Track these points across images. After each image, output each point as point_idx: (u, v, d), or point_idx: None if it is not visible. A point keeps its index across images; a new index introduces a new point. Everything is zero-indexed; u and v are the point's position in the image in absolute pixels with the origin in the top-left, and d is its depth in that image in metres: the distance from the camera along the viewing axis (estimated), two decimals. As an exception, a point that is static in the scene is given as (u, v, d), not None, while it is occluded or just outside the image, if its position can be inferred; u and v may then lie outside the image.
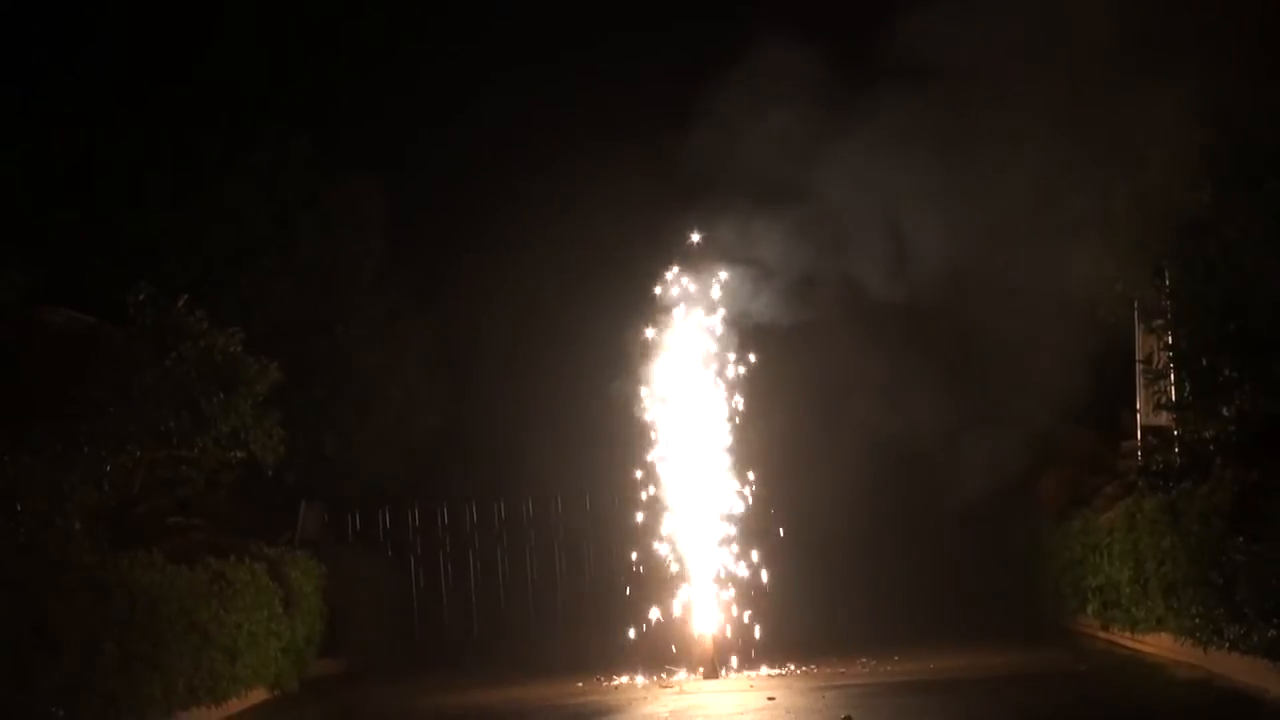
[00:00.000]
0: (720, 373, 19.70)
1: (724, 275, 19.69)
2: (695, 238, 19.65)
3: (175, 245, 21.87)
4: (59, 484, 15.65)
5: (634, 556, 19.71)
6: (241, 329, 18.88)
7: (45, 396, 16.76)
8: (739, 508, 19.51)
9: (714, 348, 19.70)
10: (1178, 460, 17.90)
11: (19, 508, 15.23)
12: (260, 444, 18.83)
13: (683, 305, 19.68)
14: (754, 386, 19.77)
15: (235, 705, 17.71)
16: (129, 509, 18.14)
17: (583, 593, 26.36)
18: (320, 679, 20.72)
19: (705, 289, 19.70)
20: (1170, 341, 18.22)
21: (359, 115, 26.09)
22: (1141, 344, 20.38)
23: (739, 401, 19.67)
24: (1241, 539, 14.95)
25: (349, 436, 23.53)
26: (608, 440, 21.30)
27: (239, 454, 18.73)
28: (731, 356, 19.73)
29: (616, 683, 18.85)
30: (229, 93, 23.22)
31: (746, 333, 19.81)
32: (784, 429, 20.24)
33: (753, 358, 19.75)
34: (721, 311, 19.72)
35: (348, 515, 25.57)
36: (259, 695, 18.69)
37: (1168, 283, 19.04)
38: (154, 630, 15.27)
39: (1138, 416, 20.77)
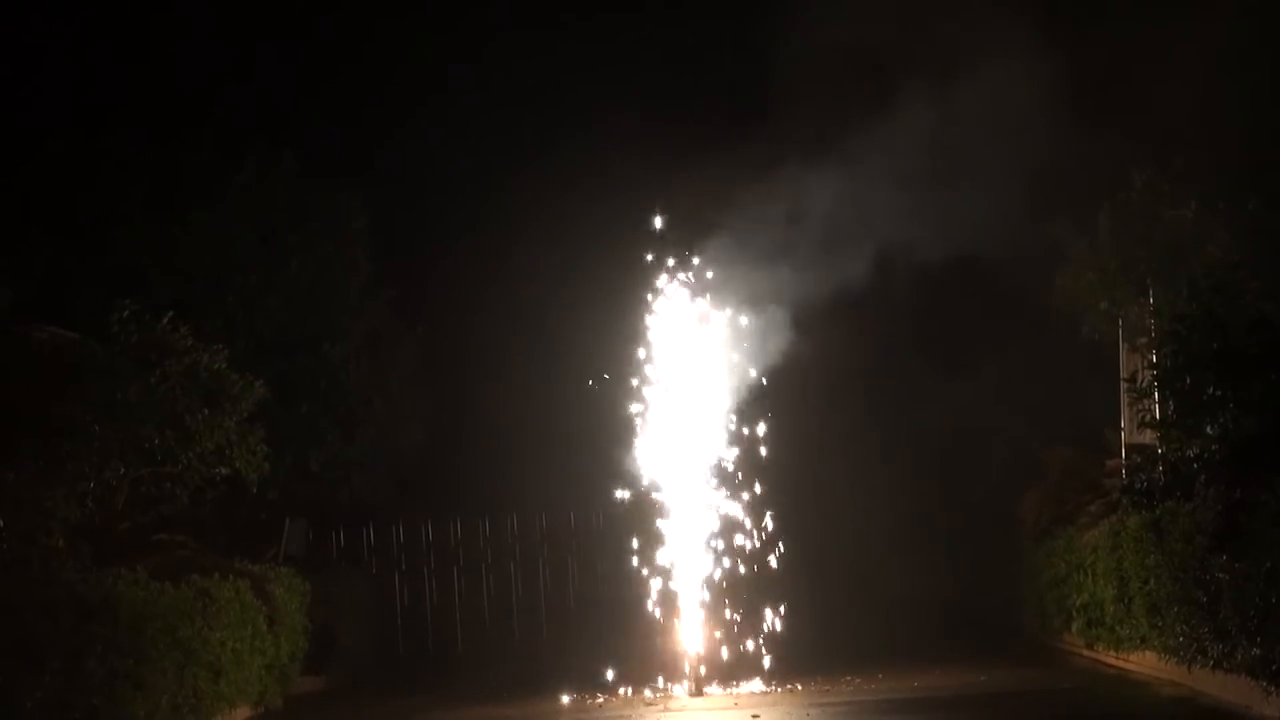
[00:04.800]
0: (716, 379, 19.60)
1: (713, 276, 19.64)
2: (657, 222, 19.56)
3: (159, 262, 21.81)
4: (42, 501, 15.61)
5: (619, 572, 19.67)
6: (226, 345, 18.88)
7: (28, 413, 16.70)
8: (730, 520, 19.48)
9: (709, 353, 19.61)
10: (1161, 478, 17.89)
11: (2, 524, 15.19)
12: (245, 461, 18.80)
13: (674, 308, 19.63)
14: (751, 396, 19.70)
15: (219, 723, 17.68)
16: (113, 526, 18.07)
17: (568, 609, 26.30)
18: (305, 696, 20.68)
19: (698, 292, 19.63)
20: (1154, 360, 18.25)
21: (344, 131, 26.10)
22: (1126, 362, 20.44)
23: (736, 412, 19.61)
24: (1225, 557, 14.95)
25: (334, 453, 23.47)
26: (594, 455, 21.27)
27: (223, 471, 18.69)
28: (727, 365, 19.64)
29: (601, 700, 18.82)
30: (213, 109, 23.21)
31: (741, 340, 19.72)
32: (776, 439, 20.16)
33: (752, 371, 19.68)
34: (715, 312, 19.64)
35: (332, 532, 25.51)
36: (243, 713, 18.65)
37: (1152, 301, 19.11)
38: (138, 647, 15.20)
39: (1122, 435, 20.82)
